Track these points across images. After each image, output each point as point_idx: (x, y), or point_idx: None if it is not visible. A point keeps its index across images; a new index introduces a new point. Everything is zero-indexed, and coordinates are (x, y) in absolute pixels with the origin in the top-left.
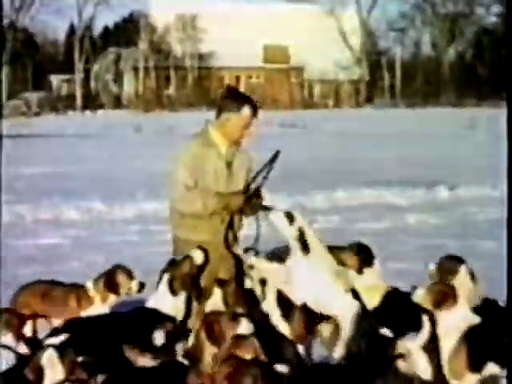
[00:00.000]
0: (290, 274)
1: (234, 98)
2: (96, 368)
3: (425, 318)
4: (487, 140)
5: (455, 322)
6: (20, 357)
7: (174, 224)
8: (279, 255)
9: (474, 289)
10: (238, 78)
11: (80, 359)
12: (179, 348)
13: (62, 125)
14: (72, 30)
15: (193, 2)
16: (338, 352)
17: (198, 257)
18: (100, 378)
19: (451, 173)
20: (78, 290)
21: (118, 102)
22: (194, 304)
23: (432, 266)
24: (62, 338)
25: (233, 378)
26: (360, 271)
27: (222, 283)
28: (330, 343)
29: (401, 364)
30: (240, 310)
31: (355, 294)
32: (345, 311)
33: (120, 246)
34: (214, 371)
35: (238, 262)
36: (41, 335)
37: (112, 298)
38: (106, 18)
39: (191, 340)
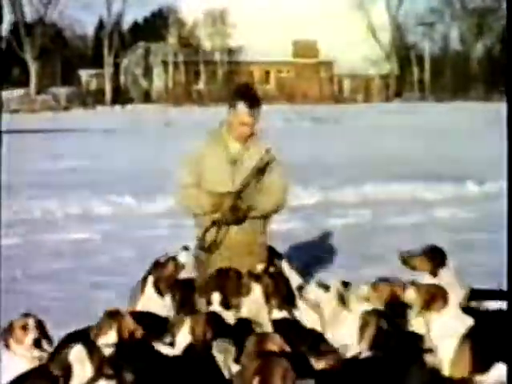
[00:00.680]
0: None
1: (234, 94)
2: (123, 364)
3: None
4: None
5: (450, 323)
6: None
7: None
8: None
9: (459, 285)
10: (267, 73)
11: (107, 355)
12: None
13: (91, 119)
14: (101, 25)
15: None
16: (364, 346)
17: (186, 258)
18: (129, 375)
19: (480, 167)
20: None
21: (147, 97)
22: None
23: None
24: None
25: (263, 371)
26: (435, 274)
27: (257, 278)
28: (358, 338)
29: (429, 358)
30: (279, 302)
31: None
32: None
33: (150, 240)
34: (243, 365)
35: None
36: None
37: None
38: (135, 13)
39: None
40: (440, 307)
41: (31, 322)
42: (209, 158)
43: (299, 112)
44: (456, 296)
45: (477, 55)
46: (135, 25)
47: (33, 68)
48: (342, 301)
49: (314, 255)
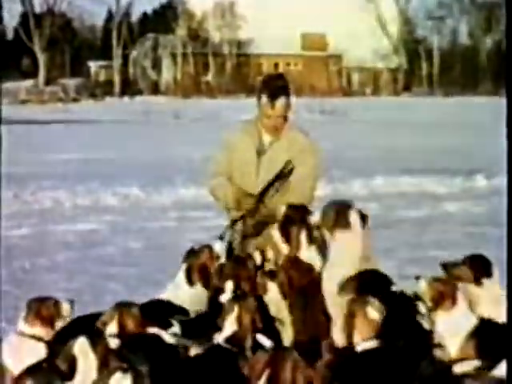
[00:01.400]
0: None
1: (259, 86)
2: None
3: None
4: None
5: (456, 321)
6: None
7: None
8: None
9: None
10: (276, 65)
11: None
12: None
13: (100, 111)
14: (110, 16)
15: None
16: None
17: (221, 247)
18: (143, 367)
19: (489, 161)
20: None
21: (156, 88)
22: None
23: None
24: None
25: (273, 364)
26: (478, 283)
27: (272, 275)
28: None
29: (438, 353)
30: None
31: None
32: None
33: (158, 232)
34: (253, 359)
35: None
36: None
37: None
38: (145, 5)
39: (232, 327)
40: (449, 306)
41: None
42: (240, 148)
43: (307, 105)
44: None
45: (485, 49)
46: (144, 16)
47: (42, 59)
48: None
49: None
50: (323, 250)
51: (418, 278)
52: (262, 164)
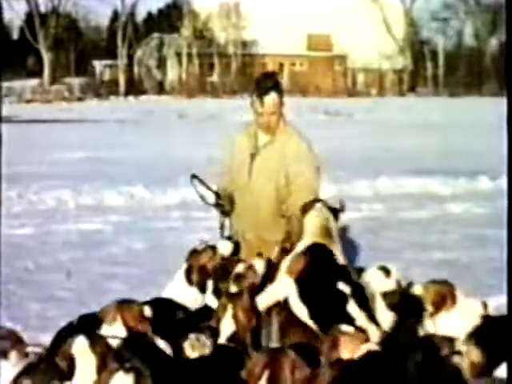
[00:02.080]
0: None
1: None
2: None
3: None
4: None
5: (457, 322)
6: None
7: None
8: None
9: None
10: (281, 66)
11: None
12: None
13: (105, 110)
14: (115, 16)
15: None
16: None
17: (226, 248)
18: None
19: (493, 162)
20: None
21: (161, 88)
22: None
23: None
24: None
25: (272, 365)
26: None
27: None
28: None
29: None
30: None
31: None
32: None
33: (162, 232)
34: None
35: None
36: None
37: None
38: (150, 4)
39: (230, 327)
40: (449, 307)
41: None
42: (238, 149)
43: (312, 105)
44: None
45: (490, 51)
46: (149, 16)
47: (47, 58)
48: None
49: None
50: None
51: (410, 284)
52: (256, 165)
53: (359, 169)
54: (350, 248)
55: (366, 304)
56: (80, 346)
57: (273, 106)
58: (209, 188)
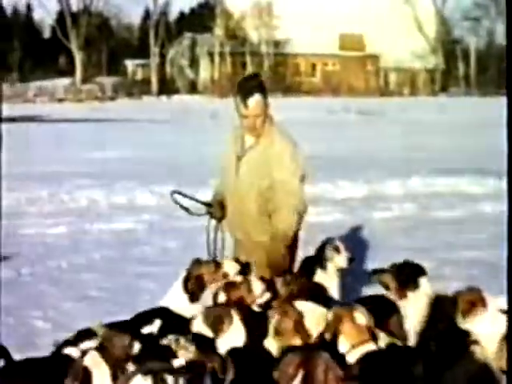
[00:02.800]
0: None
1: None
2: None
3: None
4: None
5: (489, 325)
6: None
7: None
8: None
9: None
10: (313, 66)
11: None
12: None
13: (137, 110)
14: (147, 15)
15: None
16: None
17: (231, 267)
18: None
19: None
20: None
21: (193, 88)
22: None
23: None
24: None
25: (306, 365)
26: (403, 295)
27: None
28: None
29: (476, 349)
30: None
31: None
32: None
33: (194, 231)
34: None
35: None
36: None
37: None
38: (182, 4)
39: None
40: (480, 311)
41: None
42: (227, 150)
43: (345, 105)
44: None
45: None
46: (181, 15)
47: (78, 57)
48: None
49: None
50: None
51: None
52: (241, 167)
53: (391, 168)
54: (381, 247)
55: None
56: (94, 359)
57: (257, 108)
58: (196, 200)
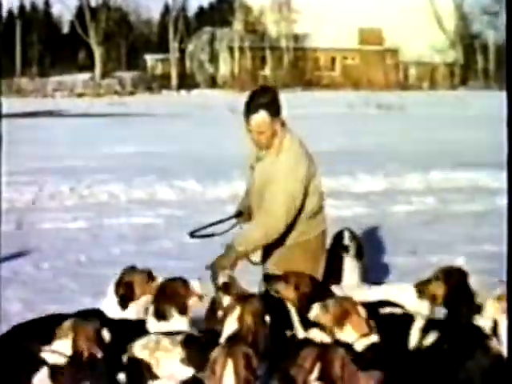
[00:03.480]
0: None
1: None
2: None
3: None
4: None
5: None
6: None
7: None
8: None
9: None
10: (333, 60)
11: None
12: None
13: (157, 104)
14: (166, 10)
15: None
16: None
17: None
18: None
19: None
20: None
21: (213, 82)
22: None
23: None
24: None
25: (323, 359)
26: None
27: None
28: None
29: (493, 343)
30: None
31: None
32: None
33: (214, 226)
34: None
35: None
36: None
37: None
38: None
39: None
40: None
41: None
42: (248, 157)
43: (364, 99)
44: None
45: None
46: (201, 10)
47: (97, 52)
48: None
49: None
50: None
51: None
52: (253, 179)
53: (411, 162)
54: (401, 240)
55: None
56: (42, 379)
57: (260, 126)
58: (219, 221)
